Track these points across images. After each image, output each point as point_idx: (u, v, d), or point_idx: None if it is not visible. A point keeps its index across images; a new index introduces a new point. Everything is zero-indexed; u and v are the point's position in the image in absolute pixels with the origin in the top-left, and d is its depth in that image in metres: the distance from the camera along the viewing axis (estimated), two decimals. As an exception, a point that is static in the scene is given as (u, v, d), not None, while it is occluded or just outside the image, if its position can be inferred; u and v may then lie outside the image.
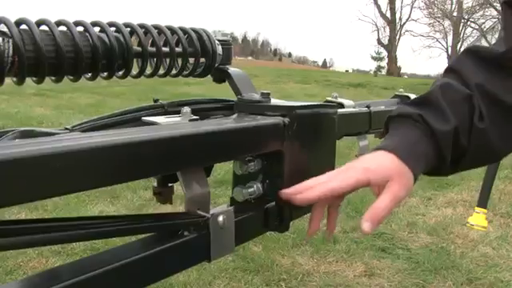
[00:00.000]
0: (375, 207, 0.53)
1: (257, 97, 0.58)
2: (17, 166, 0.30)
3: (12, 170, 0.30)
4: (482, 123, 0.60)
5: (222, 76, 0.71)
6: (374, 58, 30.06)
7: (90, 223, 0.39)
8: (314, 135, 0.59)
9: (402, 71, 35.28)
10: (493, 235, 2.89)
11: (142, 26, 0.61)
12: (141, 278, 0.41)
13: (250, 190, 0.54)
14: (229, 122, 0.48)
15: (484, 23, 25.45)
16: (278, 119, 0.52)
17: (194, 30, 0.67)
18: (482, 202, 2.06)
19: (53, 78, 0.53)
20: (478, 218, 2.06)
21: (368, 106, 0.76)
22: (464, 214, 3.17)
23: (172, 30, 0.65)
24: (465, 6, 28.09)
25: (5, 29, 0.47)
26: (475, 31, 28.02)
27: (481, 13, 25.31)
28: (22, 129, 0.46)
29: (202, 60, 0.67)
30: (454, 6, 30.88)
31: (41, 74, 0.50)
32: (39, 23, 0.51)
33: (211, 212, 0.47)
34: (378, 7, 32.75)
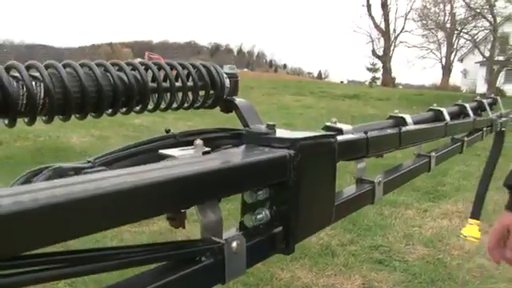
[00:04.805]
0: None
1: (263, 129, 0.63)
2: (53, 209, 0.33)
3: (47, 212, 0.33)
4: None
5: (229, 107, 0.76)
6: (370, 69, 30.31)
7: (105, 254, 0.41)
8: (316, 164, 0.64)
9: (396, 81, 35.55)
10: (488, 246, 2.94)
11: (156, 63, 0.66)
12: None
13: (259, 216, 0.59)
14: (241, 157, 0.53)
15: (477, 34, 25.79)
16: (284, 151, 0.57)
17: (204, 65, 0.72)
18: (476, 214, 2.11)
19: (77, 115, 0.58)
20: (471, 230, 2.10)
21: (365, 132, 0.81)
22: (460, 226, 3.22)
23: (183, 66, 0.70)
24: (458, 18, 28.47)
25: (36, 73, 0.52)
26: (468, 42, 28.37)
27: (473, 24, 25.64)
28: (53, 166, 0.51)
29: (212, 92, 0.72)
30: (447, 17, 31.31)
31: (68, 112, 0.55)
32: (65, 66, 0.56)
33: (225, 238, 0.52)
34: (373, 19, 33.15)
